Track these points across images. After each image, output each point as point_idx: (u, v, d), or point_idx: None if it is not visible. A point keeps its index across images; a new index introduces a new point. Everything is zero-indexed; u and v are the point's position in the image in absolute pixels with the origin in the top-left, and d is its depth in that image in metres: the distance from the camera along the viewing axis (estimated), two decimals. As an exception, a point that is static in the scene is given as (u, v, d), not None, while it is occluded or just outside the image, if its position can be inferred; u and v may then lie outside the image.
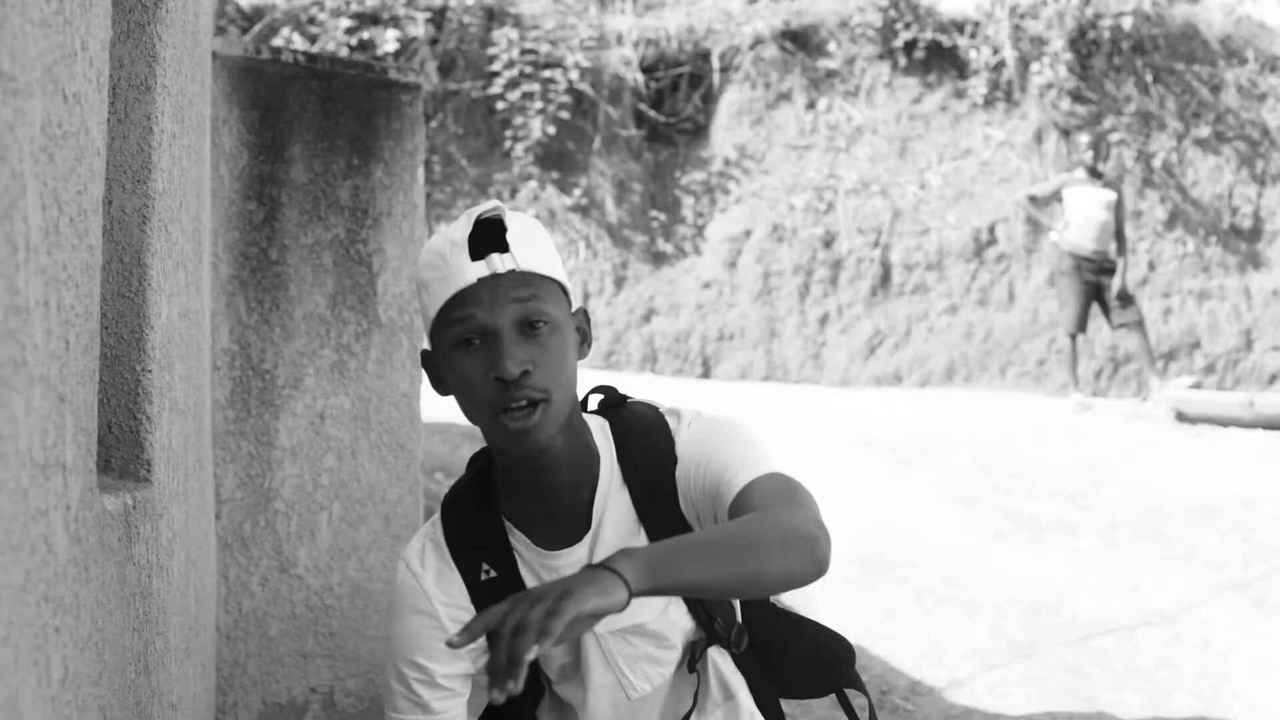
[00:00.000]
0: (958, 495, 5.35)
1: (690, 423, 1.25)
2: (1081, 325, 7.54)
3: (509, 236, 1.16)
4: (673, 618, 1.29)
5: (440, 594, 1.24)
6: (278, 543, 2.63)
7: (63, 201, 0.98)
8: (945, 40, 9.77)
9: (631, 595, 0.99)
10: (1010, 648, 3.96)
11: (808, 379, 8.93)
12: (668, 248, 9.16)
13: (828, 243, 9.25)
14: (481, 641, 1.19)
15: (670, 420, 1.26)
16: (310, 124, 2.64)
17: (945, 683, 3.70)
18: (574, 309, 1.23)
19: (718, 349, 8.98)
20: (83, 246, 1.07)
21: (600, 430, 1.26)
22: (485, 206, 1.16)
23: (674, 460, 1.23)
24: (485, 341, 1.14)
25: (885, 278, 9.26)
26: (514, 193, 8.86)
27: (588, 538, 1.25)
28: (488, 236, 1.15)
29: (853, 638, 4.29)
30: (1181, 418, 7.10)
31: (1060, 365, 8.79)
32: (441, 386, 1.22)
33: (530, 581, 1.25)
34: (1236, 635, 4.15)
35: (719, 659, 1.34)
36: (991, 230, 9.43)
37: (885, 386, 8.89)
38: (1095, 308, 7.59)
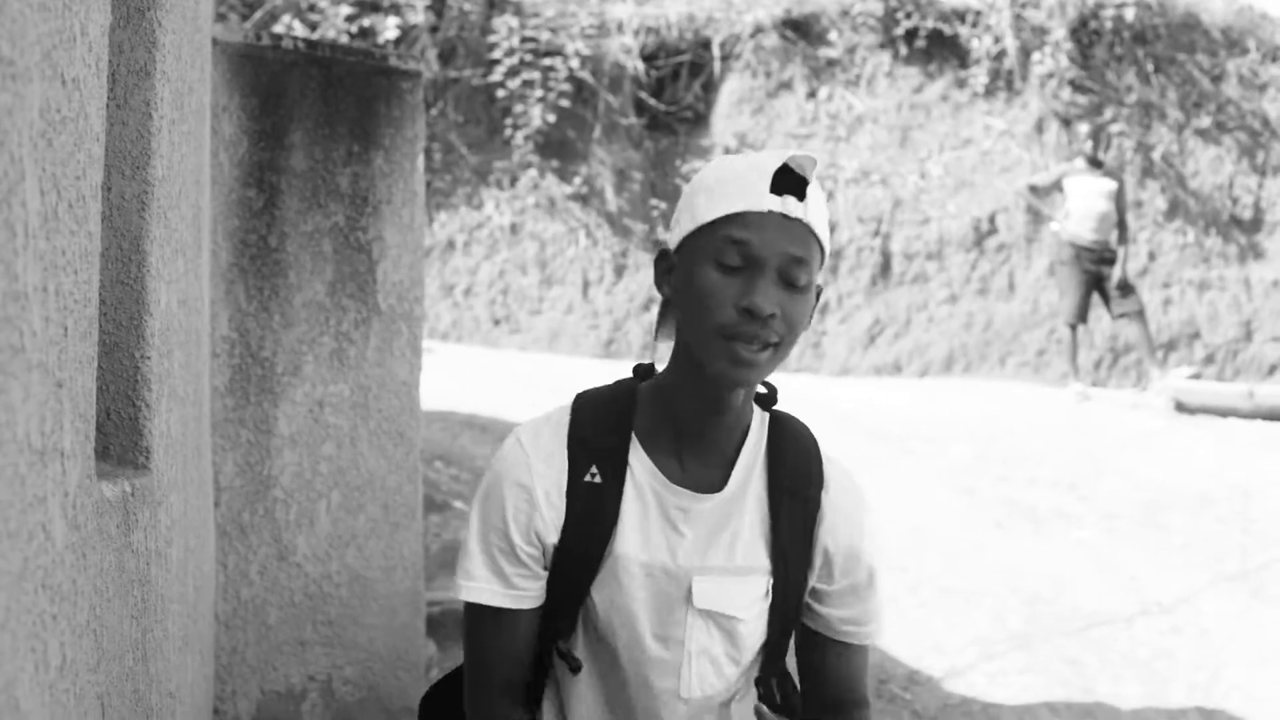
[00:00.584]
0: (957, 485, 5.35)
1: (840, 467, 1.30)
2: (1082, 315, 7.54)
3: (809, 189, 1.17)
4: (754, 633, 1.25)
5: (543, 474, 1.22)
6: (276, 531, 2.63)
7: (62, 187, 0.97)
8: (946, 29, 9.75)
9: None
10: (1009, 638, 3.97)
11: (807, 368, 8.93)
12: (668, 236, 9.15)
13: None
14: (545, 559, 1.22)
15: (821, 445, 1.29)
16: (310, 111, 2.63)
17: (943, 672, 3.70)
18: (820, 283, 1.24)
19: (717, 338, 8.98)
20: (81, 232, 1.06)
21: (759, 415, 1.28)
22: (797, 153, 1.17)
23: (821, 482, 1.26)
24: (747, 269, 1.14)
25: (885, 267, 9.25)
26: (514, 181, 8.85)
27: (722, 495, 1.22)
28: (791, 179, 1.16)
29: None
30: (1181, 408, 7.10)
31: (1060, 355, 8.79)
32: (669, 289, 1.22)
33: (633, 502, 1.21)
34: (1235, 626, 4.16)
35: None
36: (992, 220, 9.42)
37: (885, 376, 8.89)
38: (1095, 298, 7.59)
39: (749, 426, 1.25)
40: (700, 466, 1.22)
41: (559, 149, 8.99)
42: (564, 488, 1.21)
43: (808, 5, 9.76)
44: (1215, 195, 9.85)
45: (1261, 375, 9.41)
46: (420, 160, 2.81)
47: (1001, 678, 3.70)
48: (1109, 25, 9.85)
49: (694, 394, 1.20)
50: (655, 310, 8.96)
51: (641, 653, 1.23)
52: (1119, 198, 7.48)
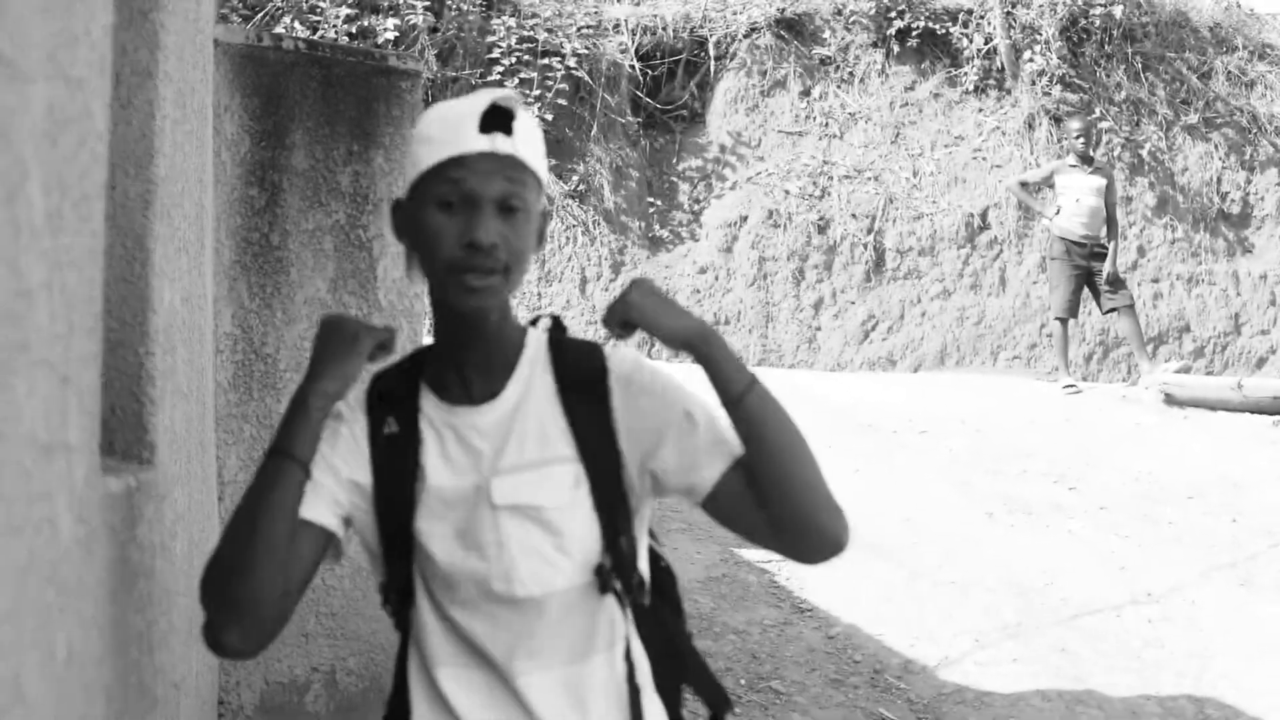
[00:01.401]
0: (950, 478, 5.38)
1: (620, 352, 1.34)
2: (1072, 310, 7.56)
3: (515, 124, 1.24)
4: (577, 523, 1.27)
5: (350, 420, 1.30)
6: (278, 525, 2.64)
7: (66, 186, 0.98)
8: (938, 28, 9.77)
9: (695, 336, 1.24)
10: (1001, 628, 4.00)
11: (802, 363, 8.95)
12: (664, 234, 9.17)
13: (822, 228, 9.26)
14: (350, 494, 1.28)
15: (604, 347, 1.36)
16: (311, 110, 2.64)
17: (937, 661, 3.73)
18: (543, 208, 1.31)
19: (712, 335, 9.00)
20: (86, 231, 1.06)
21: (534, 332, 1.35)
22: (502, 92, 1.24)
23: (604, 367, 1.31)
24: (465, 207, 1.23)
25: (879, 263, 9.28)
26: (508, 179, 8.86)
27: (501, 399, 1.29)
28: (497, 118, 1.24)
29: (846, 618, 4.30)
30: (1171, 401, 7.13)
31: (1051, 349, 8.82)
32: (403, 236, 1.30)
33: (429, 437, 1.29)
34: (1224, 616, 4.19)
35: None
36: (983, 216, 9.45)
37: (879, 371, 8.92)
38: (1086, 292, 7.61)
39: (522, 332, 1.33)
40: (483, 385, 1.30)
41: (556, 147, 9.00)
42: (367, 438, 1.30)
43: (801, 5, 9.78)
44: (1204, 191, 9.88)
45: (1250, 368, 9.45)
46: (418, 159, 2.83)
47: (994, 666, 3.73)
48: (1098, 23, 9.88)
49: (449, 322, 1.28)
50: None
51: (468, 566, 1.26)
52: (1109, 193, 7.51)
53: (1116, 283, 7.52)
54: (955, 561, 4.50)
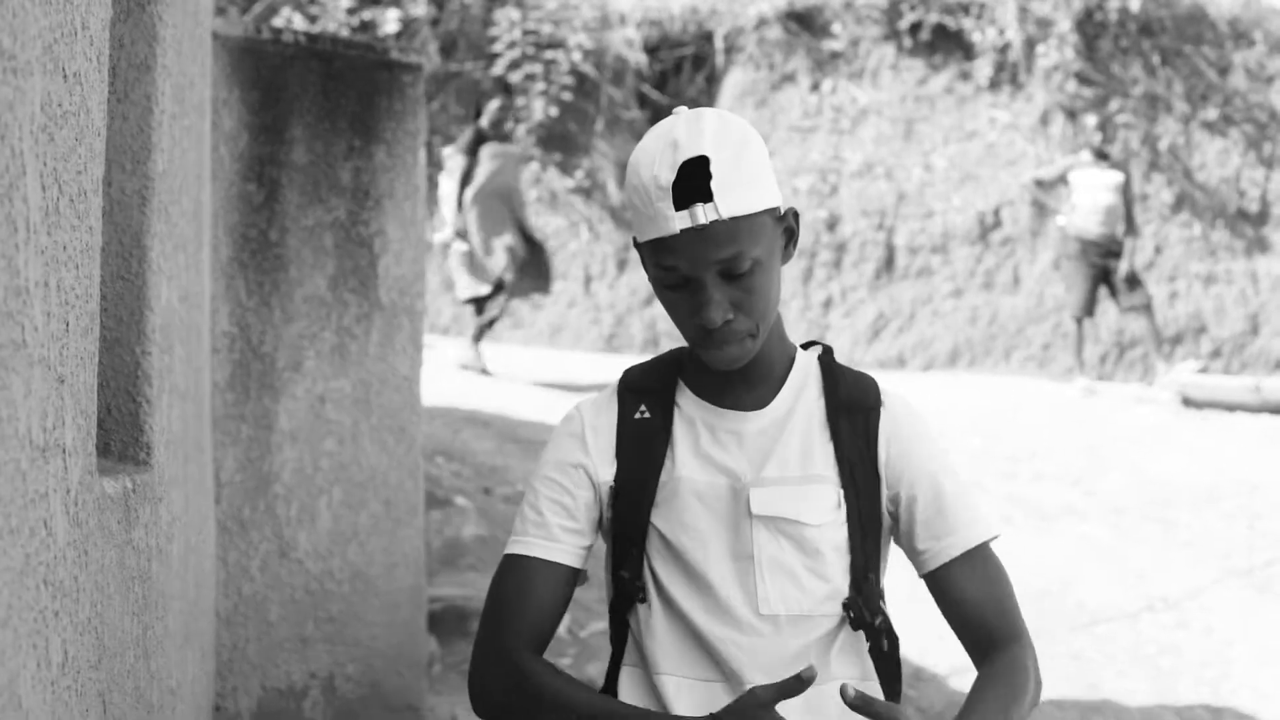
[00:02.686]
0: (961, 480, 5.34)
1: (898, 394, 1.31)
2: (1088, 309, 7.51)
3: (714, 183, 1.15)
4: (833, 548, 1.22)
5: (591, 419, 1.28)
6: (277, 527, 2.62)
7: (63, 181, 0.97)
8: (951, 22, 9.72)
9: None
10: (1014, 633, 3.96)
11: (811, 363, 8.91)
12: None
13: (832, 225, 9.22)
14: (598, 511, 1.25)
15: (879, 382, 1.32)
16: (311, 105, 2.62)
17: (949, 669, 3.70)
18: (782, 213, 1.23)
19: (721, 332, 8.98)
20: (83, 227, 1.06)
21: (805, 354, 1.31)
22: (688, 141, 1.15)
23: (878, 401, 1.27)
24: (690, 286, 1.18)
25: (889, 261, 9.23)
26: (517, 175, 8.84)
27: (768, 409, 1.25)
28: (692, 181, 1.15)
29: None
30: (1188, 402, 7.08)
31: (1065, 349, 8.77)
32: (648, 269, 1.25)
33: (683, 431, 1.25)
34: (1241, 622, 4.15)
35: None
36: (997, 213, 9.40)
37: (889, 370, 8.88)
38: (1102, 291, 7.56)
39: (793, 359, 1.29)
40: (748, 393, 1.26)
41: (561, 142, 8.98)
42: (615, 427, 1.26)
43: (811, -2, 9.74)
44: (1222, 188, 9.82)
45: (1268, 369, 9.38)
46: (422, 154, 2.80)
47: (1006, 673, 3.69)
48: (1114, 17, 9.81)
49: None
50: (655, 306, 8.96)
51: (713, 570, 1.22)
52: (1125, 190, 7.45)
53: (1133, 282, 7.46)
54: (967, 564, 4.46)
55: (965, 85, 9.71)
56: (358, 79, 2.66)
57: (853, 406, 1.26)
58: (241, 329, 2.56)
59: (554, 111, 8.77)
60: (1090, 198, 7.38)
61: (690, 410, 1.26)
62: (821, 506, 1.23)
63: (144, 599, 1.43)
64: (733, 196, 1.15)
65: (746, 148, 1.18)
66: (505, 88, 7.87)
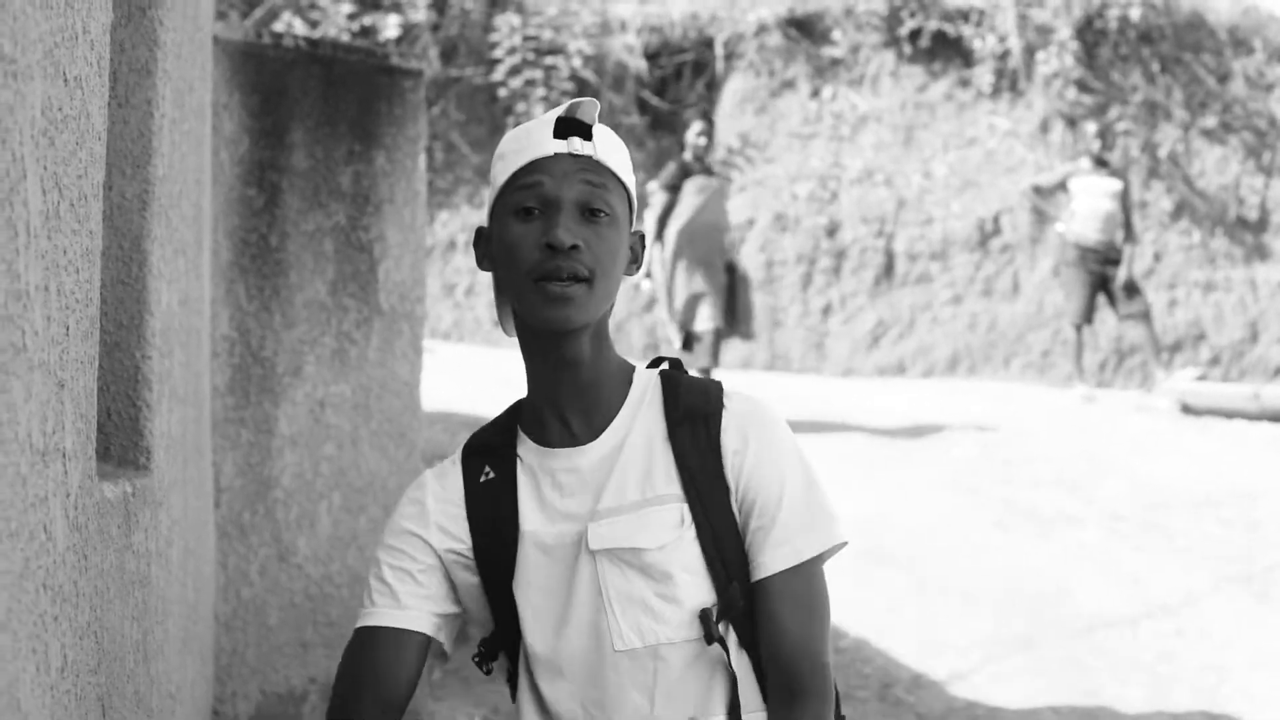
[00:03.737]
0: (960, 486, 5.34)
1: (742, 393, 1.25)
2: (1087, 316, 7.51)
3: (595, 129, 1.19)
4: (683, 567, 1.17)
5: (437, 488, 1.25)
6: (277, 531, 2.62)
7: (63, 185, 0.97)
8: (950, 29, 9.73)
9: None
10: (1012, 640, 3.95)
11: (810, 369, 8.92)
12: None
13: (831, 232, 9.22)
14: (447, 581, 1.22)
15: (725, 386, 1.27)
16: (311, 110, 2.62)
17: (947, 675, 3.69)
18: (638, 229, 1.25)
19: (720, 338, 8.98)
20: (83, 231, 1.06)
21: (645, 372, 1.27)
22: (580, 100, 1.20)
23: (720, 402, 1.22)
24: (545, 212, 1.17)
25: (889, 267, 9.24)
26: (517, 180, 8.86)
27: (602, 438, 1.21)
28: (575, 123, 1.19)
29: (854, 630, 4.27)
30: (1186, 410, 7.08)
31: (1065, 356, 8.77)
32: (487, 262, 1.23)
33: (525, 485, 1.22)
34: (1239, 628, 4.15)
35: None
36: (996, 220, 9.40)
37: (888, 377, 8.88)
38: (1101, 299, 7.56)
39: (626, 371, 1.25)
40: (585, 426, 1.22)
41: (562, 148, 8.98)
42: (462, 493, 1.23)
43: (811, 4, 9.75)
44: (1221, 195, 9.83)
45: (1267, 377, 9.38)
46: (422, 159, 2.80)
47: (1005, 680, 3.69)
48: (1114, 25, 9.83)
49: (542, 358, 1.21)
50: (655, 312, 8.96)
51: (569, 617, 1.18)
52: (1124, 198, 7.46)
53: (1132, 289, 7.47)
54: (965, 572, 4.46)
55: (965, 92, 9.72)
56: (358, 84, 2.67)
57: (693, 415, 1.20)
58: (241, 333, 2.56)
59: (554, 117, 8.78)
60: (1089, 205, 7.39)
61: (530, 459, 1.22)
62: (661, 528, 1.17)
63: (143, 603, 1.43)
64: (608, 150, 1.19)
65: (623, 146, 1.23)
66: (705, 115, 7.53)
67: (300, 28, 8.21)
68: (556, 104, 8.81)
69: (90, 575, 1.12)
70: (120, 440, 1.53)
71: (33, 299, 0.87)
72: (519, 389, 1.28)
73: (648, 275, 6.12)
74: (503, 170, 1.19)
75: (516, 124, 8.86)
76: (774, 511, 1.18)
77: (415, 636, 1.21)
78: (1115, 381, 9.17)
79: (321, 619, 2.64)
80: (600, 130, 1.20)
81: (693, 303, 6.13)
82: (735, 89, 9.50)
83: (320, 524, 2.66)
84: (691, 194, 6.09)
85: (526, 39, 8.89)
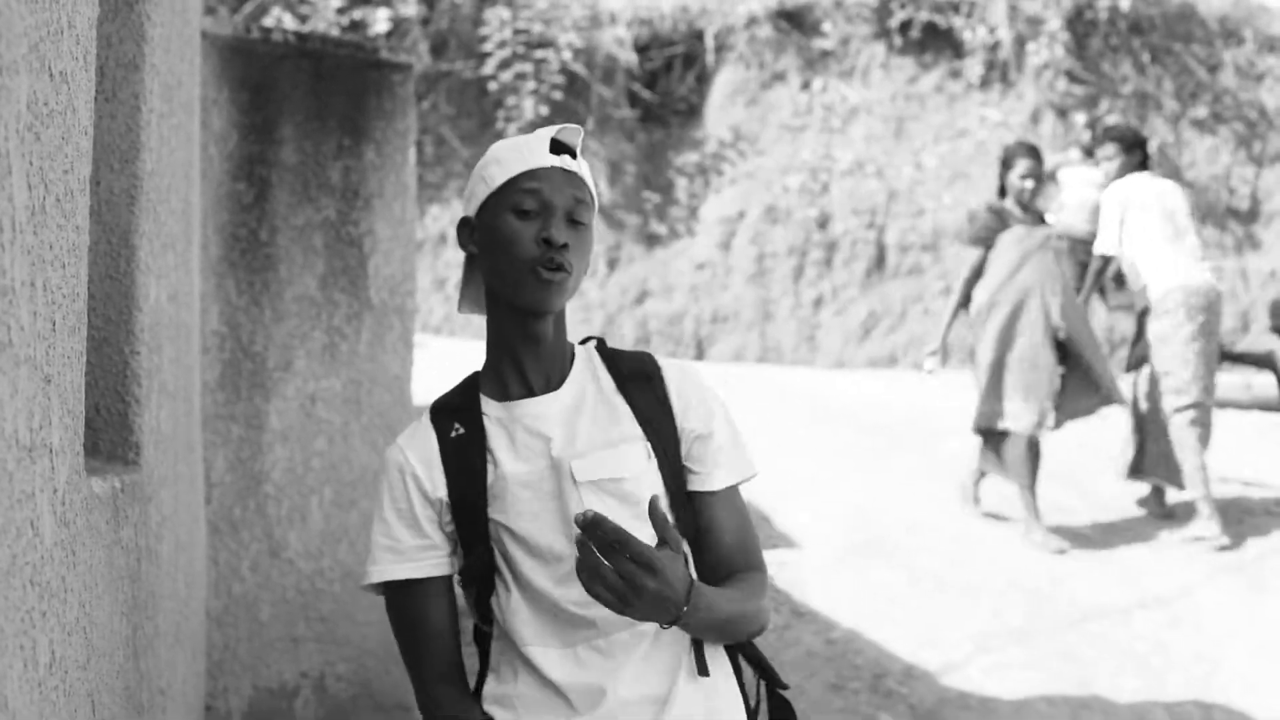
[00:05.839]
0: (953, 478, 5.35)
1: (672, 360, 1.53)
2: (1077, 307, 7.50)
3: (579, 157, 1.45)
4: (650, 494, 1.39)
5: (410, 448, 1.45)
6: (268, 526, 2.61)
7: (49, 180, 0.97)
8: (941, 20, 9.73)
9: (673, 624, 1.31)
10: (1006, 631, 3.96)
11: (802, 361, 8.92)
12: (661, 229, 9.14)
13: (822, 224, 9.23)
14: (443, 518, 1.42)
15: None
16: (301, 104, 2.61)
17: (940, 666, 3.70)
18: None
19: (711, 331, 8.97)
20: (69, 226, 1.05)
21: (585, 348, 1.52)
22: (568, 126, 1.44)
23: (657, 367, 1.48)
24: (541, 213, 1.40)
25: (880, 259, 9.24)
26: (508, 174, 8.83)
27: (562, 390, 1.44)
28: (565, 145, 1.43)
29: (847, 622, 4.27)
30: (1177, 400, 7.08)
31: (1055, 347, 8.78)
32: (472, 245, 1.46)
33: (497, 435, 1.43)
34: (1232, 618, 4.16)
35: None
36: (987, 212, 9.40)
37: (880, 368, 8.89)
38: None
39: (574, 355, 1.49)
40: (543, 383, 1.45)
41: (553, 142, 8.96)
42: (437, 450, 1.44)
43: (801, -3, 9.74)
44: (1212, 186, 9.85)
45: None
46: (412, 153, 2.79)
47: (999, 671, 3.69)
48: (1104, 15, 9.84)
49: (519, 331, 1.43)
50: (646, 305, 8.95)
51: (554, 543, 1.39)
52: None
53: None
54: (958, 564, 4.47)
55: (955, 84, 9.72)
56: (347, 78, 2.66)
57: (636, 375, 1.47)
58: (231, 328, 2.55)
59: (544, 111, 8.76)
60: (1078, 196, 7.40)
61: (497, 414, 1.44)
62: (635, 460, 1.42)
63: (133, 599, 1.43)
64: (586, 171, 1.44)
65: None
66: (1032, 151, 5.29)
67: (289, 22, 8.18)
68: (547, 97, 8.81)
69: (79, 571, 1.12)
70: (109, 436, 1.53)
71: (18, 294, 0.87)
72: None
73: (933, 353, 4.95)
74: (499, 173, 1.42)
75: (507, 117, 8.85)
76: (717, 443, 1.48)
77: (441, 581, 1.43)
78: (1106, 372, 9.18)
79: (313, 614, 2.64)
80: (581, 163, 1.44)
81: (996, 389, 4.81)
82: (726, 81, 9.49)
83: (311, 519, 2.65)
84: (1007, 248, 4.86)
85: (516, 33, 8.87)
